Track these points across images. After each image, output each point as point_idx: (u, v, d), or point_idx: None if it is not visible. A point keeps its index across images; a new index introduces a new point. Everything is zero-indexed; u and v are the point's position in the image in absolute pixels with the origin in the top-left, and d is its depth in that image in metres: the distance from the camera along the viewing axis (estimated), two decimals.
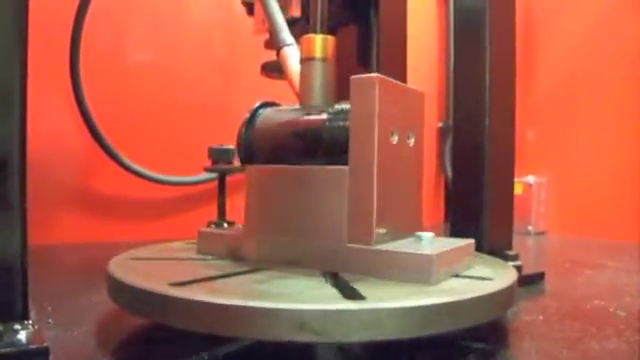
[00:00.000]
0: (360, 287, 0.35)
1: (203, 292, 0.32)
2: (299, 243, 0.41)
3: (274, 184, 0.43)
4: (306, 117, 0.43)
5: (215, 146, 0.53)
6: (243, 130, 0.45)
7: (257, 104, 0.46)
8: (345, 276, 0.38)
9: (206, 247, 0.47)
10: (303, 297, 0.33)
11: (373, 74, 0.38)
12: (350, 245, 0.39)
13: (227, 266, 0.42)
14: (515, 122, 0.63)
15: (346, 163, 0.39)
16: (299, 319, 0.29)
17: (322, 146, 0.42)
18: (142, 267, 0.41)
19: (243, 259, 0.44)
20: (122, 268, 0.40)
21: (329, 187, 0.40)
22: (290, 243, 0.41)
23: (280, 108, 0.46)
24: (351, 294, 0.33)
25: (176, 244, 0.53)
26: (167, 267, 0.43)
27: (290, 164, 0.42)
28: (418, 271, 0.36)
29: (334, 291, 0.34)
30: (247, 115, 0.46)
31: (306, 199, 0.41)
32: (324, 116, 0.42)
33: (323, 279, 0.37)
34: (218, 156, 0.53)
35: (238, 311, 0.30)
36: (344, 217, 0.39)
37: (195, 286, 0.35)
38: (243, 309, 0.30)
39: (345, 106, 0.42)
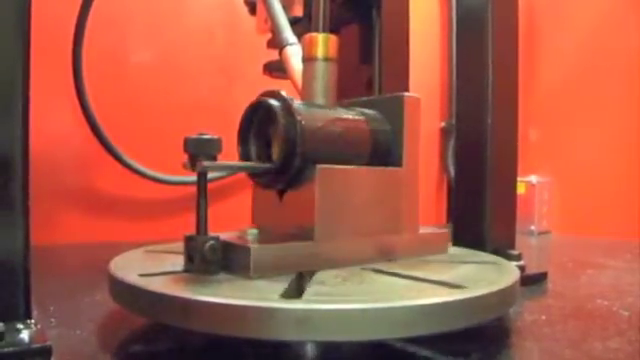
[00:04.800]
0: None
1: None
2: (370, 240, 0.44)
3: (350, 185, 0.43)
4: (351, 118, 0.45)
5: (193, 136, 0.40)
6: (298, 125, 0.39)
7: (284, 94, 0.40)
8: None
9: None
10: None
11: (416, 95, 0.47)
12: (405, 234, 0.46)
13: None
14: (518, 121, 0.62)
15: (379, 164, 0.45)
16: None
17: (369, 149, 0.45)
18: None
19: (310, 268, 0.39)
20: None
21: (393, 185, 0.45)
22: (364, 241, 0.44)
23: (305, 103, 0.44)
24: None
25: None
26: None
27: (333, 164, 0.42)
28: (442, 245, 0.50)
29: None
30: (277, 104, 0.40)
31: (375, 198, 0.44)
32: (363, 119, 0.46)
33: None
34: (197, 149, 0.39)
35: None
36: (400, 211, 0.46)
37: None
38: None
39: (367, 111, 0.46)
